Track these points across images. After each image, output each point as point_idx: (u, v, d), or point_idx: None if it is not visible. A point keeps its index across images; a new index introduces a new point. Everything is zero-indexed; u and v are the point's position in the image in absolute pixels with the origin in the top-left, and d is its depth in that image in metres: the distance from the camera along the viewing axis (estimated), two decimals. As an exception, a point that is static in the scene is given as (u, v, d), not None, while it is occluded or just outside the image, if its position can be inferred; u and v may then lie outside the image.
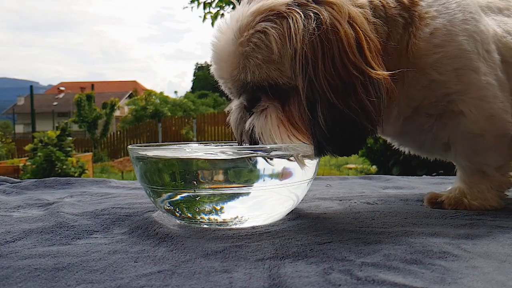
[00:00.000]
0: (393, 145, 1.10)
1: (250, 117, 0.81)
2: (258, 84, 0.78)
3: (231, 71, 0.79)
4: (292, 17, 0.74)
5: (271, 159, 0.76)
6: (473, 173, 0.94)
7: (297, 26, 0.73)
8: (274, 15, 0.76)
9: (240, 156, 0.75)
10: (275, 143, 0.77)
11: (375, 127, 0.76)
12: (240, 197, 0.77)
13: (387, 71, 0.76)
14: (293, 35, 0.73)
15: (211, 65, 0.86)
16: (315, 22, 0.73)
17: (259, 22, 0.76)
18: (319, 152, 0.77)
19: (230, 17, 0.80)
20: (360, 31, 0.75)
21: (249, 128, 0.80)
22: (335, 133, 0.74)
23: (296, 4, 0.76)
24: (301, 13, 0.74)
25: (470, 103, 0.88)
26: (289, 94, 0.77)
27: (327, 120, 0.73)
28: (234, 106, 0.87)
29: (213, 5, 5.30)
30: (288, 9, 0.75)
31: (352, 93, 0.73)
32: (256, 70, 0.76)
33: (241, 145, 0.86)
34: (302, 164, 0.78)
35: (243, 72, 0.78)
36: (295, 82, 0.75)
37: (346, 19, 0.74)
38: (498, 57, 0.91)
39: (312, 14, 0.73)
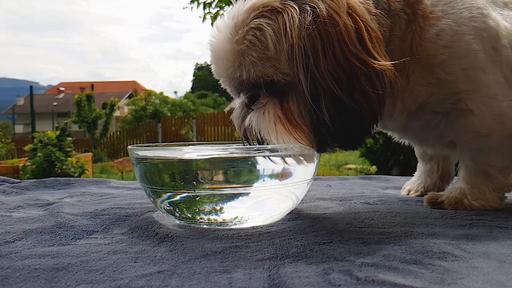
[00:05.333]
0: (394, 139, 1.10)
1: (249, 113, 0.81)
2: (254, 80, 0.77)
3: (227, 69, 0.79)
4: (287, 12, 0.73)
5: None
6: (476, 174, 0.94)
7: (292, 21, 0.72)
8: (269, 11, 0.75)
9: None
10: (272, 140, 0.77)
11: (378, 118, 0.76)
12: (240, 197, 0.77)
13: (390, 61, 0.75)
14: (289, 31, 0.72)
15: (211, 65, 0.87)
16: (311, 15, 0.72)
17: (253, 19, 0.75)
18: (320, 147, 0.77)
19: (227, 15, 0.80)
20: (360, 21, 0.74)
21: (248, 124, 0.80)
22: (340, 127, 0.73)
23: None
24: (296, 7, 0.73)
25: (480, 101, 0.87)
26: (287, 91, 0.77)
27: (332, 114, 0.72)
28: (237, 104, 0.87)
29: (213, 5, 5.31)
30: (283, 4, 0.74)
31: (356, 84, 0.72)
32: (252, 68, 0.76)
33: (244, 142, 0.86)
34: (299, 162, 0.78)
35: (239, 70, 0.77)
36: (292, 78, 0.75)
37: (345, 9, 0.73)
38: (509, 54, 0.89)
39: (308, 8, 0.72)
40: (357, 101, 0.72)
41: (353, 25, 0.73)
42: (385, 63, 0.74)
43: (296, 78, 0.74)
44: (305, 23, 0.72)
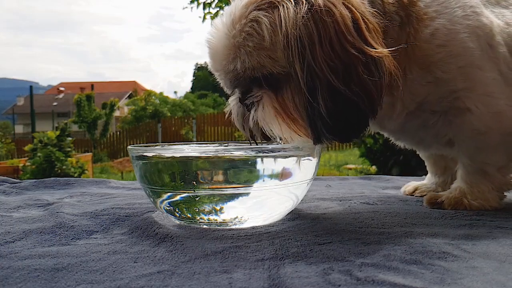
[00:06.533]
0: (391, 140, 1.10)
1: (250, 112, 0.81)
2: (250, 73, 0.78)
3: (222, 61, 0.80)
4: (283, 5, 0.74)
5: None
6: (474, 172, 0.94)
7: (288, 12, 0.73)
8: (266, 4, 0.76)
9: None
10: (275, 133, 0.78)
11: (376, 109, 0.75)
12: (240, 198, 0.77)
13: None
14: (283, 21, 0.73)
15: (209, 60, 0.87)
16: (306, 6, 0.73)
17: (251, 12, 0.76)
18: (317, 140, 0.77)
19: (225, 13, 0.81)
20: (357, 12, 0.74)
21: (253, 121, 0.80)
22: (337, 119, 0.73)
23: None
24: (292, 0, 0.74)
25: (477, 100, 0.88)
26: (282, 83, 0.77)
27: (328, 106, 0.72)
28: (231, 102, 0.87)
29: (213, 5, 5.32)
30: None
31: (354, 74, 0.72)
32: (247, 58, 0.76)
33: (251, 139, 0.86)
34: (298, 163, 0.78)
35: (234, 62, 0.78)
36: (288, 70, 0.75)
37: (341, 1, 0.74)
38: (504, 51, 0.89)
39: (304, 0, 0.74)
40: (354, 91, 0.72)
41: (349, 14, 0.74)
42: (382, 50, 0.74)
43: (292, 69, 0.74)
44: (301, 13, 0.72)
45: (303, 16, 0.72)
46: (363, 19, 0.75)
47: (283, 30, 0.73)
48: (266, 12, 0.75)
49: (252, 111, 0.81)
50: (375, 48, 0.74)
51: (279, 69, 0.76)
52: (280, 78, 0.77)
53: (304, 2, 0.73)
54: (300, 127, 0.78)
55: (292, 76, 0.75)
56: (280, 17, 0.74)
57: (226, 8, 0.82)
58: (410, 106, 0.91)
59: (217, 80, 0.88)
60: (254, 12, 0.76)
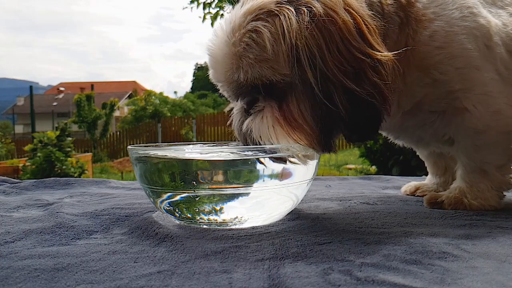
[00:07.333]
0: (390, 139, 1.11)
1: (247, 118, 0.81)
2: (252, 83, 0.78)
3: (225, 72, 0.80)
4: (283, 14, 0.74)
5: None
6: (473, 171, 0.94)
7: (290, 22, 0.73)
8: (265, 14, 0.76)
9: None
10: (272, 143, 0.78)
11: (389, 106, 0.77)
12: (240, 198, 0.77)
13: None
14: (287, 32, 0.73)
15: (209, 70, 0.87)
16: (308, 15, 0.73)
17: (250, 22, 0.76)
18: (324, 147, 0.77)
19: (224, 20, 0.81)
20: (358, 16, 0.75)
21: (247, 130, 0.80)
22: (357, 118, 0.75)
23: (286, 0, 0.76)
24: (292, 9, 0.74)
25: (475, 99, 0.88)
26: (286, 92, 0.77)
27: (346, 108, 0.73)
28: (235, 110, 0.87)
29: (213, 5, 5.31)
30: (279, 6, 0.75)
31: (364, 76, 0.74)
32: (249, 70, 0.76)
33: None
34: (304, 162, 0.78)
35: (237, 73, 0.78)
36: (291, 79, 0.75)
37: (342, 6, 0.75)
38: (501, 51, 0.90)
39: (304, 8, 0.74)
40: (368, 92, 0.73)
41: (351, 20, 0.74)
42: (387, 54, 0.75)
43: (297, 78, 0.74)
44: (304, 23, 0.72)
45: (306, 26, 0.72)
46: (364, 23, 0.75)
47: (287, 40, 0.73)
48: (266, 22, 0.75)
49: (248, 120, 0.80)
50: (379, 51, 0.75)
51: (282, 77, 0.76)
52: (283, 87, 0.77)
53: (305, 10, 0.73)
54: (302, 135, 0.77)
55: (296, 84, 0.75)
56: (283, 27, 0.73)
57: (226, 16, 0.82)
58: (406, 107, 0.92)
59: (220, 90, 0.88)
60: (253, 22, 0.76)
